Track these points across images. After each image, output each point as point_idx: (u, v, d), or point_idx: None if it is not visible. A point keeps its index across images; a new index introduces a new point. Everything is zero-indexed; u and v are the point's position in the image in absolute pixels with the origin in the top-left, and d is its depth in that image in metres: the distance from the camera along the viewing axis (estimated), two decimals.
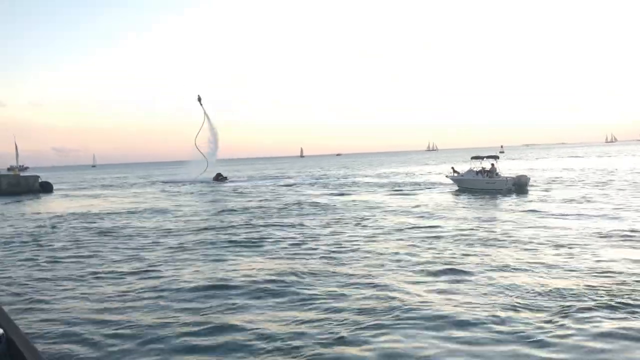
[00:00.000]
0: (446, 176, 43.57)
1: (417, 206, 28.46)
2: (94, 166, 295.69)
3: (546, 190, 34.54)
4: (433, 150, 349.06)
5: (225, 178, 64.69)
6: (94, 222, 27.24)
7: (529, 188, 35.34)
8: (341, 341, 8.52)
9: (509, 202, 28.90)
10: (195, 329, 9.39)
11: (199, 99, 69.84)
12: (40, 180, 59.39)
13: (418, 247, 16.37)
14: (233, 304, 10.92)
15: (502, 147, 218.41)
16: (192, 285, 12.63)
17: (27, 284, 13.54)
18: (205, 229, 22.88)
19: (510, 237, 17.56)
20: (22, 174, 67.34)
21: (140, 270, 14.76)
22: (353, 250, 16.16)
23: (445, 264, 13.70)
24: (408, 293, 11.10)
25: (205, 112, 70.45)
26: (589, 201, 27.34)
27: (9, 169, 77.00)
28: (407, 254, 15.29)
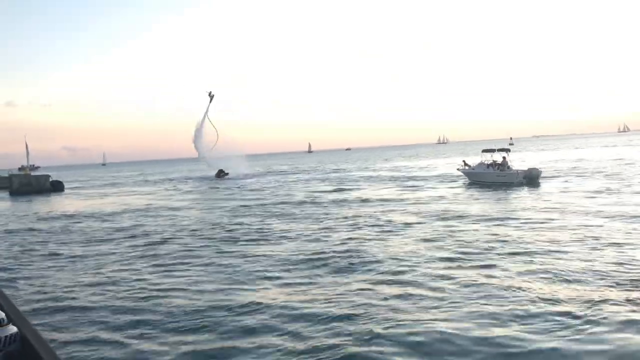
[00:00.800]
0: (457, 169, 43.49)
1: (431, 200, 28.41)
2: (104, 164, 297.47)
3: (559, 183, 34.20)
4: (444, 143, 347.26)
5: (227, 174, 65.13)
6: (107, 221, 27.47)
7: (540, 181, 35.03)
8: (376, 336, 8.54)
9: (517, 196, 28.68)
10: (217, 326, 9.42)
11: (210, 95, 70.61)
12: (51, 180, 59.93)
13: (436, 242, 16.26)
14: (257, 300, 10.86)
15: (511, 138, 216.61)
16: (211, 282, 12.66)
17: (42, 283, 13.68)
18: (221, 225, 22.95)
19: (520, 231, 17.48)
20: (33, 173, 67.94)
21: (158, 268, 14.83)
22: (374, 246, 16.06)
23: (467, 259, 13.63)
24: (431, 288, 11.10)
25: (207, 110, 71.08)
26: (604, 194, 26.87)
27: (20, 169, 77.67)
28: (426, 248, 15.28)
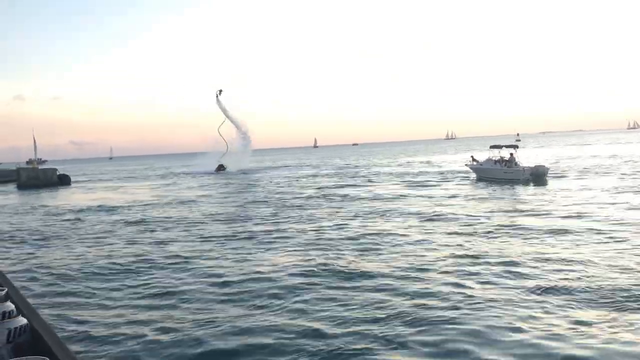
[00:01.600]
0: (465, 164, 43.54)
1: (439, 197, 28.35)
2: (110, 158, 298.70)
3: (566, 181, 34.01)
4: (452, 138, 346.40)
5: (225, 168, 66.73)
6: (116, 213, 27.76)
7: (547, 178, 34.86)
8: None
9: (522, 194, 28.61)
10: (227, 323, 9.42)
11: (219, 93, 71.47)
12: (58, 173, 60.35)
13: (450, 241, 16.05)
14: (270, 299, 10.83)
15: (518, 134, 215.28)
16: (221, 279, 12.51)
17: (53, 276, 13.90)
18: (231, 220, 23.11)
19: (525, 229, 17.49)
20: (40, 167, 68.36)
21: (172, 261, 14.98)
22: (382, 246, 15.80)
23: (479, 258, 13.58)
24: (442, 288, 11.08)
25: (222, 109, 71.85)
26: (610, 193, 26.52)
27: (27, 162, 78.24)
28: (437, 247, 15.15)
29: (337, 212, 24.10)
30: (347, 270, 12.73)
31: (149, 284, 12.50)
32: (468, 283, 11.16)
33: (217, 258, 15.08)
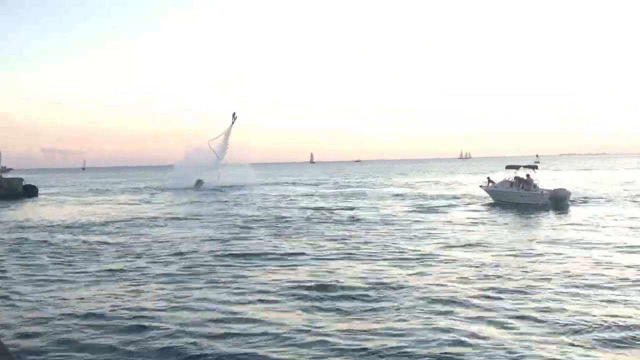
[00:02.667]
0: (480, 186, 43.27)
1: (450, 224, 27.60)
2: (83, 169, 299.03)
3: (592, 208, 33.15)
4: (467, 158, 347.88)
5: (202, 182, 68.93)
6: (84, 233, 27.55)
7: (569, 203, 34.20)
8: None
9: (536, 222, 28.30)
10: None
11: (234, 116, 75.77)
12: (24, 183, 60.17)
13: (455, 273, 15.70)
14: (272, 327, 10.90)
15: (537, 156, 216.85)
16: (211, 315, 11.95)
17: (16, 300, 13.77)
18: (225, 240, 23.11)
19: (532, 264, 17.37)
20: (4, 175, 68.22)
21: (153, 289, 14.84)
22: (393, 274, 15.54)
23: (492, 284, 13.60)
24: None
25: (230, 128, 75.90)
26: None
27: None
28: (456, 280, 14.80)
29: (343, 240, 22.83)
30: (354, 314, 11.83)
31: (122, 313, 12.13)
32: (498, 317, 11.06)
33: (205, 288, 14.40)
